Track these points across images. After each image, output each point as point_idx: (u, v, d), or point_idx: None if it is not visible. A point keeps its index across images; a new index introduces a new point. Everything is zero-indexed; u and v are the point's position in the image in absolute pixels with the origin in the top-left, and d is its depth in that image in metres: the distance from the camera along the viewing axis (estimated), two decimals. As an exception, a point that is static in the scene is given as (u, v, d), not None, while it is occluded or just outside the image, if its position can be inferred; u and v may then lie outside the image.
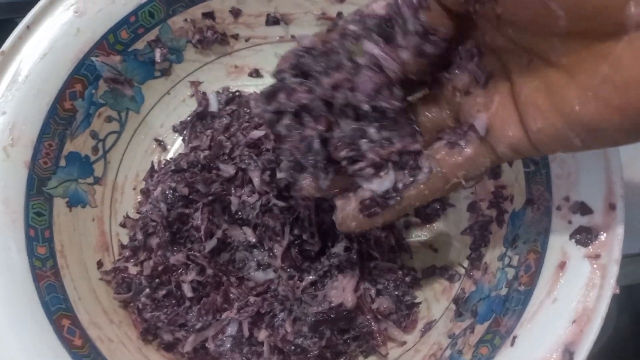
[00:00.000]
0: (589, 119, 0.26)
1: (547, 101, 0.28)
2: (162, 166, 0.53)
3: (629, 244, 0.52)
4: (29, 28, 0.47)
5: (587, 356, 0.34)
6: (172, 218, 0.47)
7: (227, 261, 0.48)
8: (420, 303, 0.48)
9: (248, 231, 0.48)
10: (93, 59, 0.49)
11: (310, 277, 0.46)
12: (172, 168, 0.50)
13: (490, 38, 0.30)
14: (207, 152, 0.50)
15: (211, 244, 0.47)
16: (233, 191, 0.48)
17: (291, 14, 0.55)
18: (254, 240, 0.47)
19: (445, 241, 0.51)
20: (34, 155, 0.45)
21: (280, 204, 0.47)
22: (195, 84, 0.57)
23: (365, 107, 0.32)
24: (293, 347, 0.44)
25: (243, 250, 0.48)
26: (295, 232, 0.47)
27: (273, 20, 0.56)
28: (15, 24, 0.47)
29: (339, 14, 0.54)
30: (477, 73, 0.31)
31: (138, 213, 0.52)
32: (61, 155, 0.48)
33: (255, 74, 0.58)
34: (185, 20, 0.54)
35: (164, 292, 0.46)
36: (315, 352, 0.44)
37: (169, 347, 0.46)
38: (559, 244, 0.38)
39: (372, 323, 0.45)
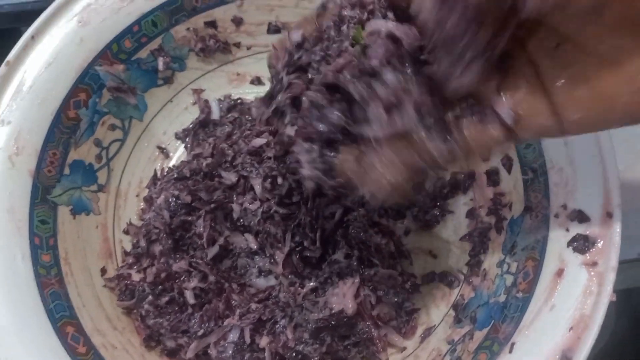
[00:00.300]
0: (636, 109, 0.26)
1: (587, 92, 0.27)
2: (165, 174, 0.54)
3: (627, 250, 0.52)
4: (33, 38, 0.47)
5: (585, 360, 0.34)
6: (174, 225, 0.48)
7: (229, 268, 0.49)
8: (419, 309, 0.49)
9: (250, 238, 0.48)
10: (97, 68, 0.50)
11: (311, 283, 0.47)
12: (175, 176, 0.50)
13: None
14: (209, 160, 0.50)
15: (213, 250, 0.47)
16: (235, 198, 0.49)
17: (292, 23, 0.56)
18: (255, 247, 0.48)
19: (444, 247, 0.52)
20: (39, 163, 0.46)
21: (282, 211, 0.47)
22: (197, 92, 0.58)
23: (375, 62, 0.29)
24: (294, 354, 0.44)
25: (245, 257, 0.48)
26: (297, 239, 0.47)
27: (274, 29, 0.56)
28: (21, 33, 0.48)
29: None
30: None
31: (141, 220, 0.53)
32: (65, 164, 0.48)
33: (257, 81, 0.59)
34: (188, 29, 0.55)
35: (166, 298, 0.47)
36: (316, 358, 0.44)
37: (171, 354, 0.47)
38: (557, 251, 0.39)
39: (372, 329, 0.46)
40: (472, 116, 0.31)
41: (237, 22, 0.56)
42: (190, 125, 0.57)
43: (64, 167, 0.48)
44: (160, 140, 0.57)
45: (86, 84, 0.49)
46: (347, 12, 0.32)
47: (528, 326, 0.37)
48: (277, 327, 0.46)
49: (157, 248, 0.48)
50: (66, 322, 0.42)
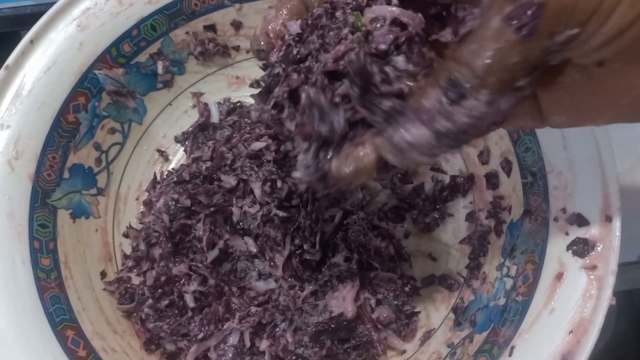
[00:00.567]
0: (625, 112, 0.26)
1: (575, 100, 0.27)
2: (165, 177, 0.54)
3: (628, 252, 0.53)
4: (32, 43, 0.47)
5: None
6: (174, 229, 0.48)
7: (229, 271, 0.49)
8: (419, 312, 0.49)
9: (249, 241, 0.48)
10: (96, 72, 0.50)
11: (311, 287, 0.47)
12: (175, 179, 0.50)
13: None
14: (208, 164, 0.51)
15: (213, 254, 0.47)
16: (234, 202, 0.49)
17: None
18: (255, 250, 0.48)
19: (444, 250, 0.52)
20: (38, 168, 0.46)
21: (281, 214, 0.47)
22: (197, 95, 0.58)
23: (383, 47, 0.28)
24: (294, 357, 0.44)
25: (244, 260, 0.49)
26: (296, 242, 0.47)
27: (273, 32, 0.56)
28: (20, 37, 0.48)
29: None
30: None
31: (141, 223, 0.53)
32: (65, 168, 0.48)
33: (257, 84, 0.59)
34: (187, 32, 0.55)
35: (166, 302, 0.47)
36: (316, 361, 0.44)
37: (171, 357, 0.47)
38: (556, 255, 0.39)
39: (372, 332, 0.46)
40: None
41: (237, 25, 0.56)
42: (190, 129, 0.57)
43: (63, 170, 0.48)
44: (160, 144, 0.57)
45: (85, 87, 0.49)
46: None
47: (528, 330, 0.37)
48: (277, 330, 0.46)
49: (156, 251, 0.48)
50: (66, 326, 0.42)
